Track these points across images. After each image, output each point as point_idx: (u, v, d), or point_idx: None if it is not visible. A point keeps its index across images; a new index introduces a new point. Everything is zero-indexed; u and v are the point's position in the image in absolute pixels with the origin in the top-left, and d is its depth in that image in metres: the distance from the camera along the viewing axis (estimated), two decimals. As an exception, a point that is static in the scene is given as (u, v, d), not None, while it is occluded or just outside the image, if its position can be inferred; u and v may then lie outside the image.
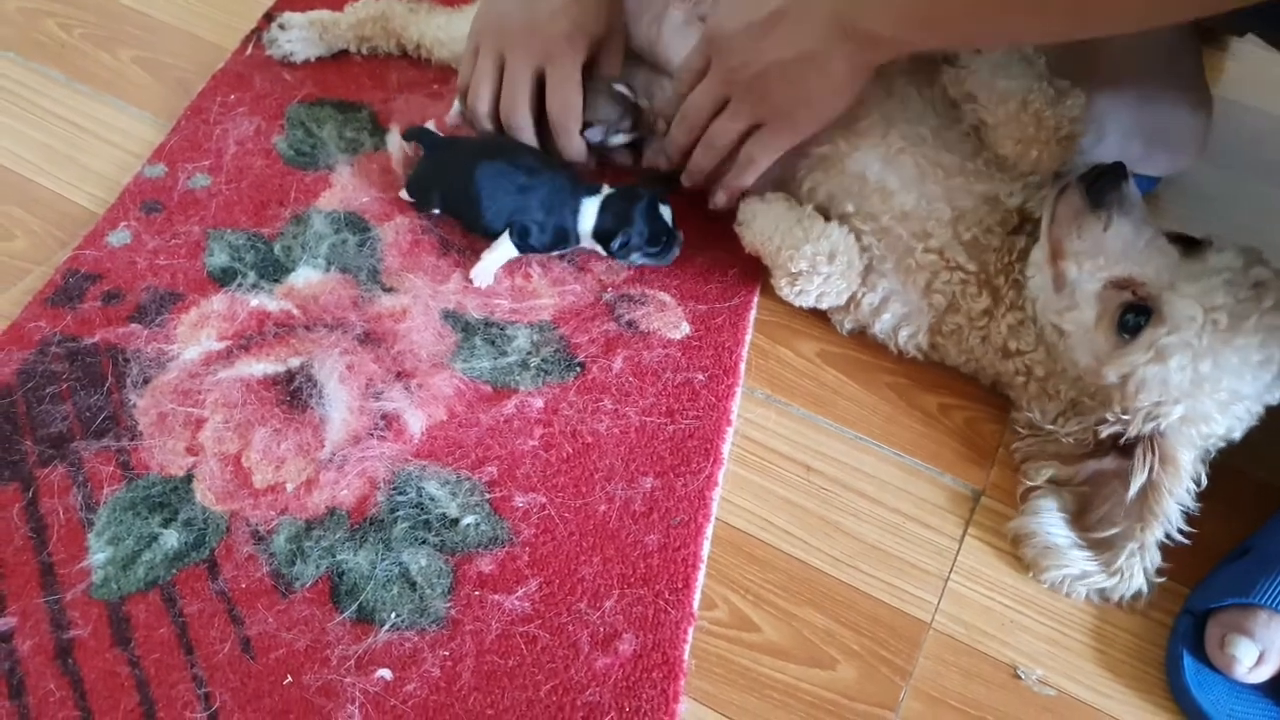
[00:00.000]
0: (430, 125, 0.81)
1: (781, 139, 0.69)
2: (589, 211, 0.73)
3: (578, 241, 0.75)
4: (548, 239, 0.74)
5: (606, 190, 0.74)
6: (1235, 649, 0.57)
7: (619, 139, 0.78)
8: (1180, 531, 0.60)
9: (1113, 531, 0.61)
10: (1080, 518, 0.64)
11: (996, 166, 0.70)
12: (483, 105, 0.77)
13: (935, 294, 0.69)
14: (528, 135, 0.77)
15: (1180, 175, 0.86)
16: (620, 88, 0.76)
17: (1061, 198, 0.63)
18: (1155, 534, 0.60)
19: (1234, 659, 0.57)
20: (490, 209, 0.73)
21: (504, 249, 0.74)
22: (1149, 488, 0.59)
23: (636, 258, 0.76)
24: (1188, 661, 0.59)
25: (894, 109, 0.71)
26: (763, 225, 0.71)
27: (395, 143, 0.84)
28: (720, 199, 0.75)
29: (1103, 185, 0.61)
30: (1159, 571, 0.62)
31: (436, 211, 0.78)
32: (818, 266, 0.68)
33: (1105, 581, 0.61)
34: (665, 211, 0.74)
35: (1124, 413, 0.59)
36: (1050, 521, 0.63)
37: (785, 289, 0.70)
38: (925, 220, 0.69)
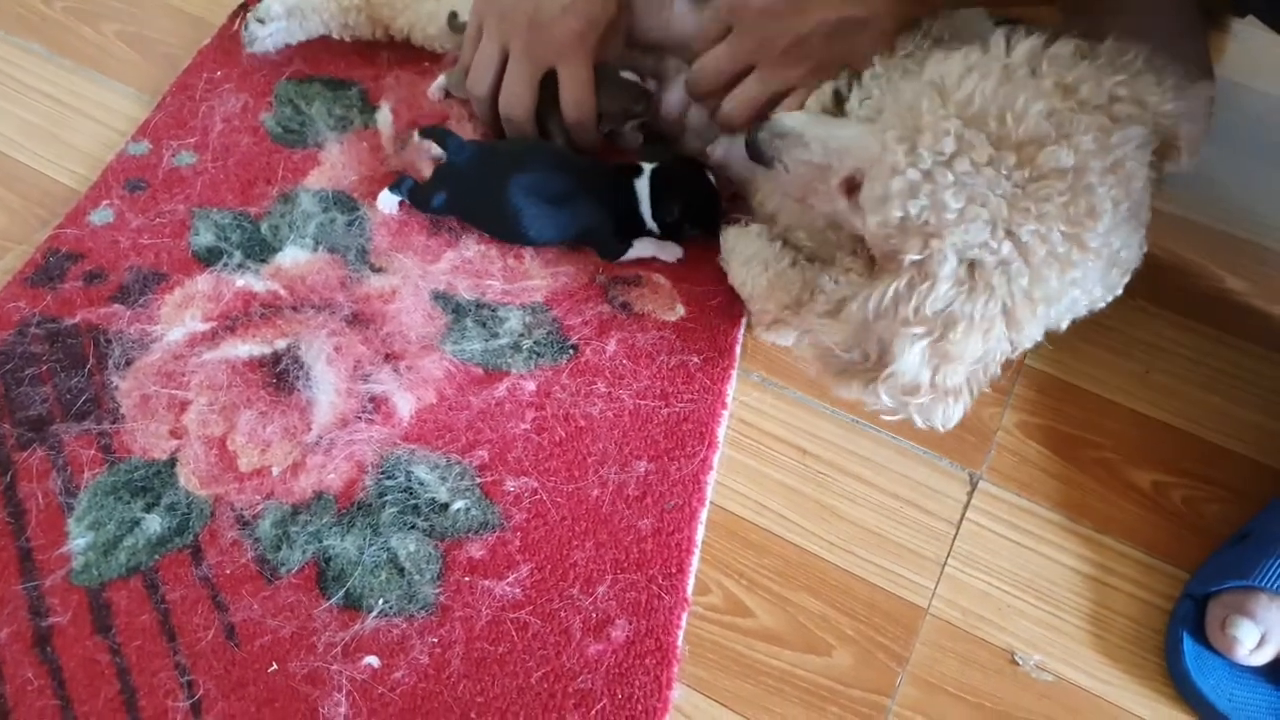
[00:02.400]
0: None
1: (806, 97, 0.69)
2: (643, 192, 0.73)
3: (644, 225, 0.74)
4: (619, 232, 0.74)
5: (648, 167, 0.73)
6: (1237, 630, 0.57)
7: (630, 124, 0.77)
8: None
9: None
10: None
11: None
12: (481, 90, 0.76)
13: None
14: (528, 131, 0.76)
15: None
16: (628, 75, 0.74)
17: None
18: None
19: (1235, 640, 0.56)
20: (533, 226, 0.72)
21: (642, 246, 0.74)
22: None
23: (688, 229, 0.74)
24: (1188, 645, 0.58)
25: None
26: (736, 268, 0.71)
27: (385, 120, 0.83)
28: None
29: (750, 145, 0.61)
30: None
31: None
32: (785, 317, 0.69)
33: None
34: (710, 176, 0.73)
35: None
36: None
37: (761, 335, 0.72)
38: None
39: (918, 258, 0.52)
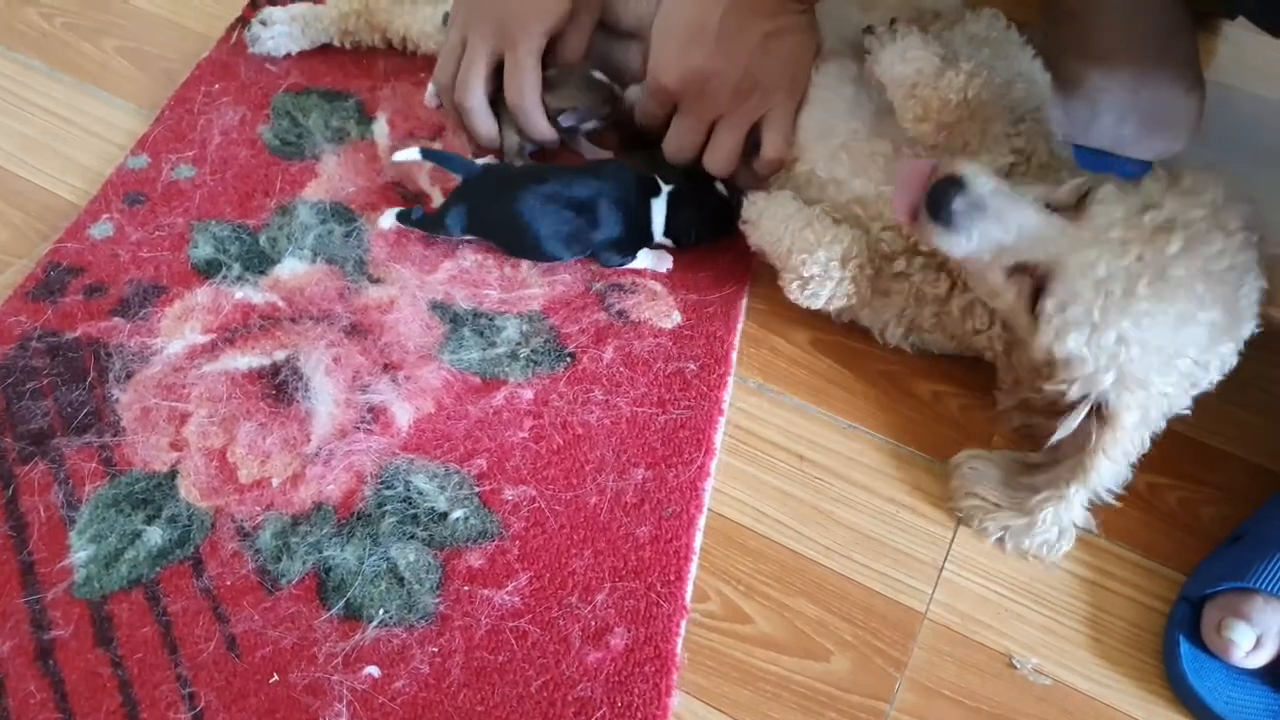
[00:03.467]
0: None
1: (788, 111, 0.71)
2: (659, 211, 0.73)
3: (652, 241, 0.74)
4: (629, 244, 0.74)
5: (666, 188, 0.73)
6: (1232, 633, 0.57)
7: (591, 125, 0.77)
8: (1114, 494, 0.60)
9: (1044, 491, 0.60)
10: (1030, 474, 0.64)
11: (929, 145, 0.68)
12: (443, 79, 0.77)
13: (899, 282, 0.68)
14: (482, 117, 0.76)
15: (1172, 159, 0.85)
16: (597, 75, 0.74)
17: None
18: (1081, 490, 0.59)
19: (1231, 643, 0.57)
20: (547, 239, 0.72)
21: (643, 258, 0.75)
22: (1085, 444, 0.58)
23: (703, 239, 0.75)
24: (1184, 648, 0.58)
25: (829, 104, 0.71)
26: (771, 226, 0.69)
27: (382, 131, 0.83)
28: (763, 174, 0.75)
29: (937, 200, 0.58)
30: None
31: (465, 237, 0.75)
32: (830, 271, 0.66)
33: (1013, 520, 0.61)
34: (719, 186, 0.74)
35: (1065, 381, 0.58)
36: (983, 476, 0.64)
37: (795, 292, 0.68)
38: (879, 204, 0.68)
39: (1089, 395, 0.57)
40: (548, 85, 0.75)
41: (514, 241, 0.74)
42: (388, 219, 0.76)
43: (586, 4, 0.74)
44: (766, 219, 0.70)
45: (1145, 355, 0.54)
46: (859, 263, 0.67)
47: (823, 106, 0.71)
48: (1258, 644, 0.57)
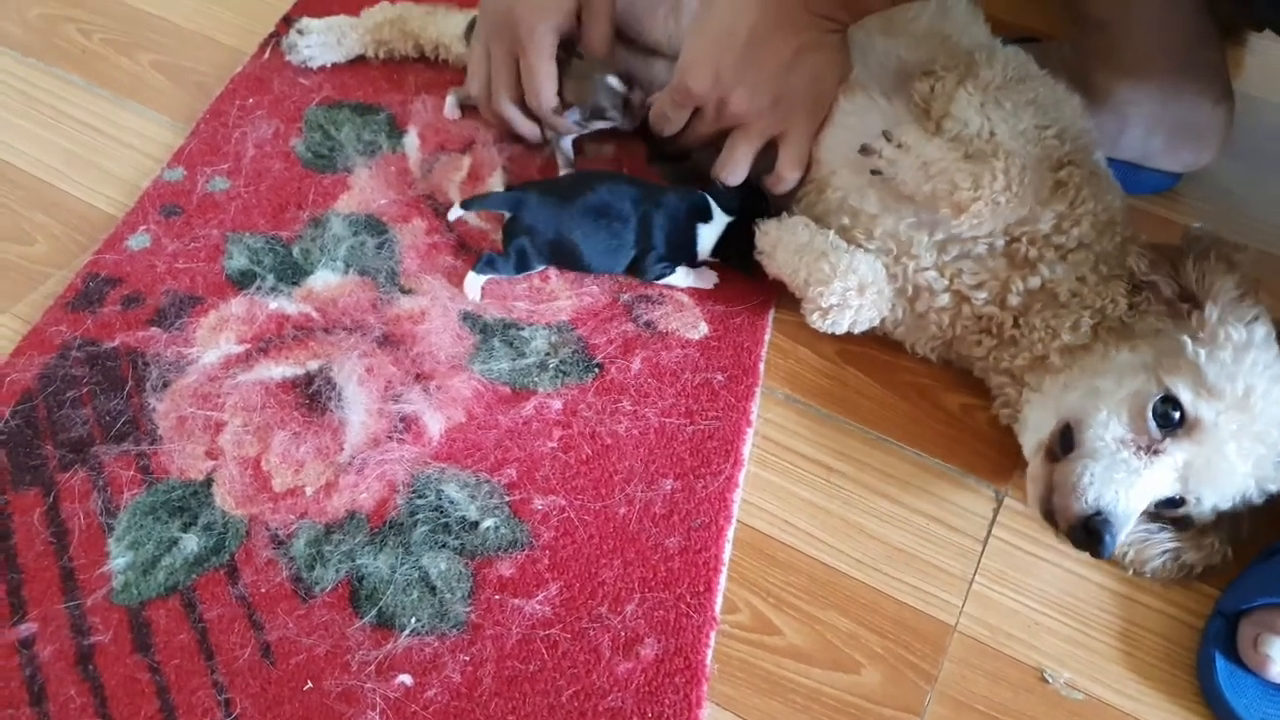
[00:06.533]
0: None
1: (807, 131, 0.71)
2: (710, 235, 0.74)
3: (695, 258, 0.75)
4: (670, 258, 0.75)
5: (723, 220, 0.74)
6: (1269, 648, 0.56)
7: (597, 125, 0.78)
8: None
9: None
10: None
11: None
12: (475, 91, 0.80)
13: (933, 315, 0.69)
14: (520, 122, 0.79)
15: (1201, 170, 0.85)
16: (613, 81, 0.75)
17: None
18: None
19: (1268, 659, 0.56)
20: (598, 256, 0.74)
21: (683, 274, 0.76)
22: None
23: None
24: (1220, 663, 0.58)
25: (858, 132, 0.70)
26: (786, 257, 0.70)
27: (413, 144, 0.84)
28: (776, 191, 0.75)
29: (1086, 541, 0.57)
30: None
31: (540, 267, 0.76)
32: (848, 300, 0.66)
33: (1191, 556, 0.62)
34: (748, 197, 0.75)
35: None
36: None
37: (818, 321, 0.68)
38: (912, 245, 0.68)
39: None
40: (565, 77, 0.76)
41: (571, 261, 0.75)
42: (473, 287, 0.74)
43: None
44: (781, 250, 0.70)
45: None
46: (878, 289, 0.67)
47: (850, 133, 0.71)
48: (1294, 660, 0.56)
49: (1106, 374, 0.60)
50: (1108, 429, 0.58)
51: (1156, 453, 0.57)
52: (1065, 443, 0.60)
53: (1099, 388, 0.60)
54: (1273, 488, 0.58)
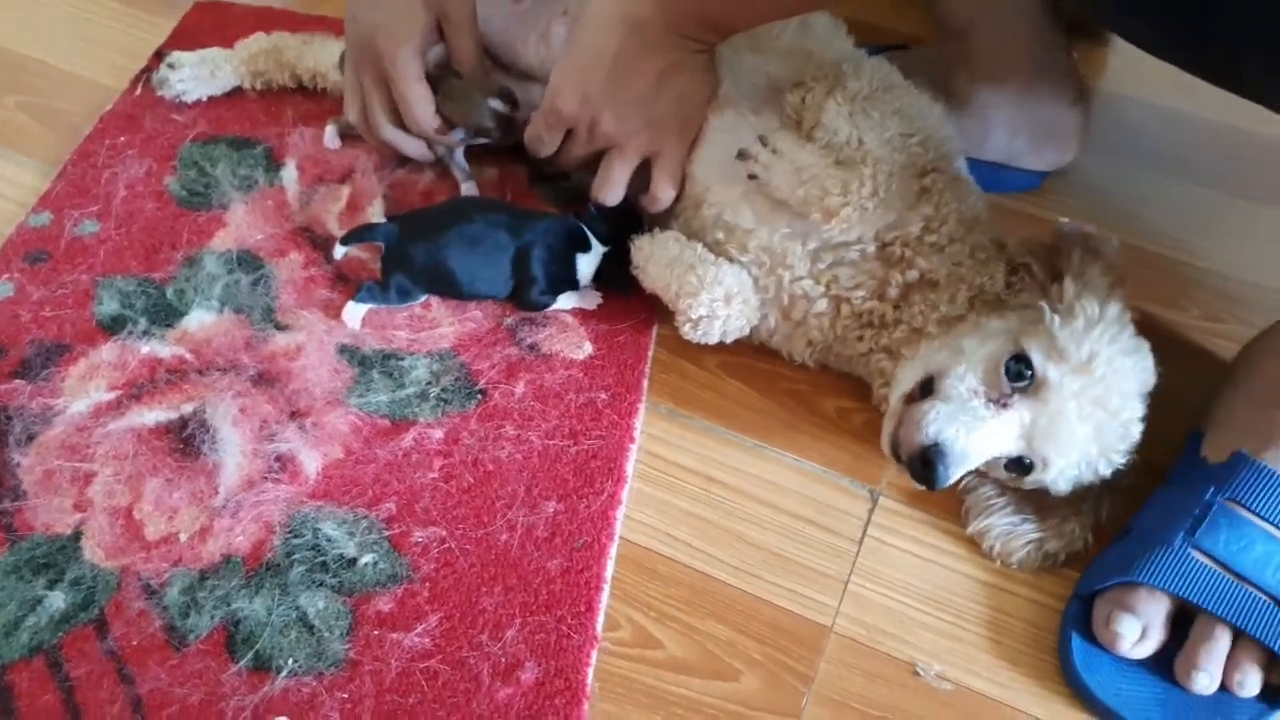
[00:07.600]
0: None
1: (678, 152, 0.73)
2: (589, 264, 0.75)
3: (577, 284, 0.76)
4: (551, 290, 0.75)
5: (600, 250, 0.75)
6: (1119, 625, 0.59)
7: (480, 141, 0.79)
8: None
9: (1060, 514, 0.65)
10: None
11: None
12: (351, 118, 0.80)
13: (812, 320, 0.70)
14: (404, 143, 0.78)
15: (1067, 167, 0.88)
16: (495, 103, 0.75)
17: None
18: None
19: (1118, 635, 0.59)
20: (469, 284, 0.74)
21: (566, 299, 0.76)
22: None
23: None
24: (1076, 643, 0.60)
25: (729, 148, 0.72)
26: (658, 271, 0.71)
27: (291, 177, 0.84)
28: (651, 211, 0.76)
29: (922, 473, 0.60)
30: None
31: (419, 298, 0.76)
32: (716, 311, 0.68)
33: (1054, 544, 0.64)
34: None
35: None
36: (999, 510, 0.66)
37: (689, 332, 0.70)
38: (786, 255, 0.69)
39: None
40: (445, 96, 0.76)
41: (450, 289, 0.75)
42: (353, 317, 0.74)
43: (447, 7, 0.73)
44: (653, 264, 0.71)
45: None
46: (744, 298, 0.68)
47: (722, 150, 0.72)
48: (1143, 635, 0.59)
49: (973, 336, 0.64)
50: (963, 381, 0.61)
51: (1005, 406, 0.60)
52: (925, 392, 0.62)
53: (963, 346, 0.63)
54: (1118, 459, 0.60)
